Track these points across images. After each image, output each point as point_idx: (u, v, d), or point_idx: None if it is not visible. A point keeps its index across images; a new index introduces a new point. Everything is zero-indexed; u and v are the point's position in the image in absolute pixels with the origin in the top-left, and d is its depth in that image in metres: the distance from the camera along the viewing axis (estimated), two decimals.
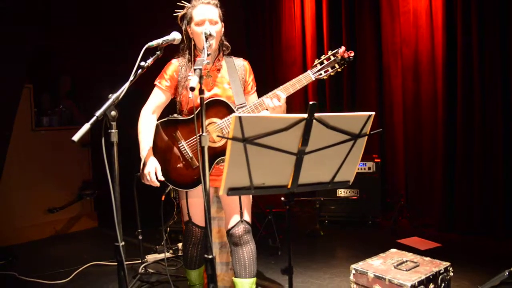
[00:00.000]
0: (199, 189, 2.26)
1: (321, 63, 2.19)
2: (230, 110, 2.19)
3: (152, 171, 2.14)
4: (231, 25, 2.30)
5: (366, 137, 1.69)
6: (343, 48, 2.18)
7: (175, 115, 2.31)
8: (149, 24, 5.17)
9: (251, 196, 2.36)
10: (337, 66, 2.18)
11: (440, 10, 4.26)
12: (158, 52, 1.94)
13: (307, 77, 2.16)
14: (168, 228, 3.97)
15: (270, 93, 2.14)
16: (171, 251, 3.74)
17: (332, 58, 2.18)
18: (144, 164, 2.17)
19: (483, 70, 3.99)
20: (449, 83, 4.24)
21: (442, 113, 4.30)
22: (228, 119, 2.17)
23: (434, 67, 4.40)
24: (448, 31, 4.22)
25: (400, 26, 4.66)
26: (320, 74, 2.18)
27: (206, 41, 1.96)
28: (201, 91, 1.69)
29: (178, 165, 2.26)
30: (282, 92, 2.12)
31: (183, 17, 2.26)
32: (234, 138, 1.45)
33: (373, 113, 1.63)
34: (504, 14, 3.86)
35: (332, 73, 2.19)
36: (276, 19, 5.82)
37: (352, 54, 2.18)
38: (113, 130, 1.75)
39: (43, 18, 4.39)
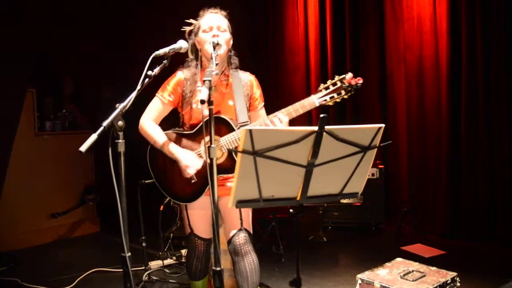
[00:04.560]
0: (199, 201, 2.23)
1: (327, 88, 2.07)
2: (230, 129, 2.14)
3: (191, 166, 2.12)
4: (234, 31, 2.26)
5: (376, 149, 1.67)
6: (350, 74, 2.05)
7: (177, 128, 2.28)
8: (152, 28, 5.17)
9: None
10: (343, 92, 2.05)
11: (444, 16, 4.25)
12: (165, 61, 1.94)
13: (311, 102, 2.06)
14: (172, 234, 3.95)
15: (271, 115, 2.09)
16: (174, 258, 3.72)
17: (339, 83, 2.06)
18: (180, 159, 2.13)
19: (488, 76, 3.99)
20: (453, 89, 4.23)
21: (446, 119, 4.29)
22: (229, 137, 2.12)
23: (438, 73, 4.38)
24: (452, 37, 4.21)
25: (404, 32, 4.64)
26: (325, 100, 2.06)
27: (214, 50, 1.95)
28: (210, 103, 1.67)
29: (178, 179, 2.22)
30: (284, 116, 2.07)
31: (191, 31, 2.23)
32: (244, 151, 1.44)
33: (383, 125, 1.62)
34: (510, 20, 3.84)
35: (337, 99, 2.07)
36: (279, 25, 5.79)
37: (361, 82, 2.05)
38: (120, 140, 1.74)
39: (45, 21, 4.37)
